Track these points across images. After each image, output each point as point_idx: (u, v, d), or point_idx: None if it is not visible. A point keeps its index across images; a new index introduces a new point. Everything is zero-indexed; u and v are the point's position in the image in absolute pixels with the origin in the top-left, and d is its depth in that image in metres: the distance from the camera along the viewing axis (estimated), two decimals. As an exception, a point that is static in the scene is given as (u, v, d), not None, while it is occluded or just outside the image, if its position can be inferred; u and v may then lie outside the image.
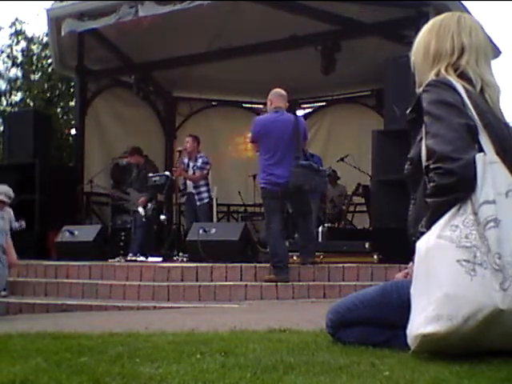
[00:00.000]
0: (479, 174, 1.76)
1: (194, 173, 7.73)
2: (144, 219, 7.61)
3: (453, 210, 1.77)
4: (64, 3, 8.37)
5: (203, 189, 7.71)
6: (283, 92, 5.80)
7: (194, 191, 7.73)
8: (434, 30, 2.10)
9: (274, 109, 5.72)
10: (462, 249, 1.72)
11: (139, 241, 7.67)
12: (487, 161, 1.78)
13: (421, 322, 1.74)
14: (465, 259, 1.71)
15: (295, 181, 5.40)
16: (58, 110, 13.94)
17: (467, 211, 1.76)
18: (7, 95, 14.42)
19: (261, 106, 10.45)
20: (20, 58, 14.37)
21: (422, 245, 1.81)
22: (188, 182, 7.85)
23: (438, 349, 1.75)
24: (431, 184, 1.83)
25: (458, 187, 1.77)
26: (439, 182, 1.80)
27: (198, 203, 7.68)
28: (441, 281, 1.72)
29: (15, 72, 14.46)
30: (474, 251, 1.71)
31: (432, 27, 2.11)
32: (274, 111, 5.70)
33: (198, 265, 5.83)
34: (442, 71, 2.00)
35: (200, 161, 7.71)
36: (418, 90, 2.03)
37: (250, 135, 5.81)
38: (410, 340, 1.81)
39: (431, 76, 2.01)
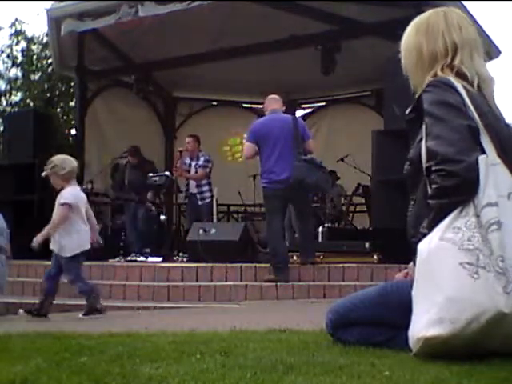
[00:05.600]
0: (482, 176, 1.74)
1: (196, 171, 7.73)
2: (155, 213, 7.64)
3: (455, 212, 1.76)
4: (64, 3, 8.36)
5: (205, 188, 7.71)
6: (276, 96, 5.93)
7: (195, 191, 7.73)
8: (421, 30, 2.05)
9: (270, 111, 5.79)
10: (464, 251, 1.71)
11: (143, 238, 7.70)
12: (489, 162, 1.77)
13: (423, 325, 1.74)
14: (467, 262, 1.70)
15: (297, 175, 5.40)
16: (58, 110, 13.94)
17: (469, 213, 1.75)
18: (7, 95, 14.42)
19: (261, 106, 10.45)
20: (20, 58, 14.37)
21: (423, 247, 1.79)
22: (190, 183, 7.85)
23: (440, 352, 1.74)
24: (434, 186, 1.81)
25: (461, 189, 1.76)
26: (442, 184, 1.78)
27: (199, 202, 7.68)
28: (443, 284, 1.71)
29: (15, 72, 14.48)
30: (477, 254, 1.70)
31: (419, 28, 2.07)
32: (271, 113, 5.77)
33: (198, 265, 5.83)
34: (439, 72, 1.98)
35: (202, 159, 7.71)
36: (417, 94, 2.01)
37: (245, 135, 5.81)
38: (411, 343, 1.80)
39: (428, 79, 1.98)
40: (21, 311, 4.88)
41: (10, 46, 14.41)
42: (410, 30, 2.10)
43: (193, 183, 7.79)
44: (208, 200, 7.68)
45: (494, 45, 7.97)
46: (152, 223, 7.99)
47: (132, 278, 5.87)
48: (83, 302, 4.37)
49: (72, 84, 12.12)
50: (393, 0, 7.16)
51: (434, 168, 1.81)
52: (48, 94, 13.76)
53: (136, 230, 7.82)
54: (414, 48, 2.06)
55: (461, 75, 1.96)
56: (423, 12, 2.12)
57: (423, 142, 1.90)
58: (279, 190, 5.50)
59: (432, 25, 2.04)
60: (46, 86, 13.75)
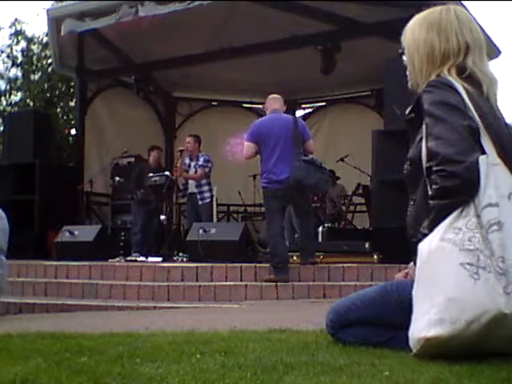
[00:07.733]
0: (482, 177, 1.74)
1: (195, 171, 7.73)
2: (165, 222, 7.70)
3: (456, 213, 1.76)
4: (64, 3, 8.40)
5: (205, 188, 7.71)
6: (277, 95, 5.94)
7: (195, 191, 7.72)
8: (434, 27, 1.99)
9: (271, 111, 5.80)
10: (465, 252, 1.71)
11: (148, 239, 7.74)
12: (490, 163, 1.77)
13: (423, 326, 1.73)
14: (468, 262, 1.69)
15: (296, 175, 5.40)
16: (58, 110, 13.94)
17: (470, 214, 1.74)
18: (7, 95, 14.42)
19: (261, 106, 10.46)
20: (20, 58, 14.38)
21: (424, 247, 1.79)
22: (190, 183, 7.84)
23: (440, 352, 1.74)
24: (434, 186, 1.81)
25: (462, 190, 1.75)
26: (442, 185, 1.78)
27: (199, 202, 7.68)
28: (444, 284, 1.71)
29: (15, 72, 14.48)
30: (478, 254, 1.70)
31: (431, 24, 2.01)
32: (272, 113, 5.78)
33: (198, 265, 5.83)
34: (445, 71, 1.96)
35: (202, 159, 7.71)
36: (419, 91, 2.00)
37: (245, 135, 5.82)
38: (412, 343, 1.80)
39: (433, 77, 1.97)
40: None
41: (10, 46, 14.42)
42: (418, 24, 2.05)
43: (192, 183, 7.79)
44: (208, 200, 7.68)
45: (494, 45, 7.97)
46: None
47: (132, 278, 5.86)
48: (83, 302, 4.37)
49: (72, 84, 12.12)
50: (393, 0, 7.15)
51: (434, 168, 1.80)
52: (48, 94, 13.77)
53: (146, 232, 7.84)
54: (424, 44, 2.01)
55: (472, 76, 1.94)
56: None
57: (423, 142, 1.89)
58: (279, 190, 5.50)
59: (445, 22, 1.99)
60: (45, 85, 13.76)
